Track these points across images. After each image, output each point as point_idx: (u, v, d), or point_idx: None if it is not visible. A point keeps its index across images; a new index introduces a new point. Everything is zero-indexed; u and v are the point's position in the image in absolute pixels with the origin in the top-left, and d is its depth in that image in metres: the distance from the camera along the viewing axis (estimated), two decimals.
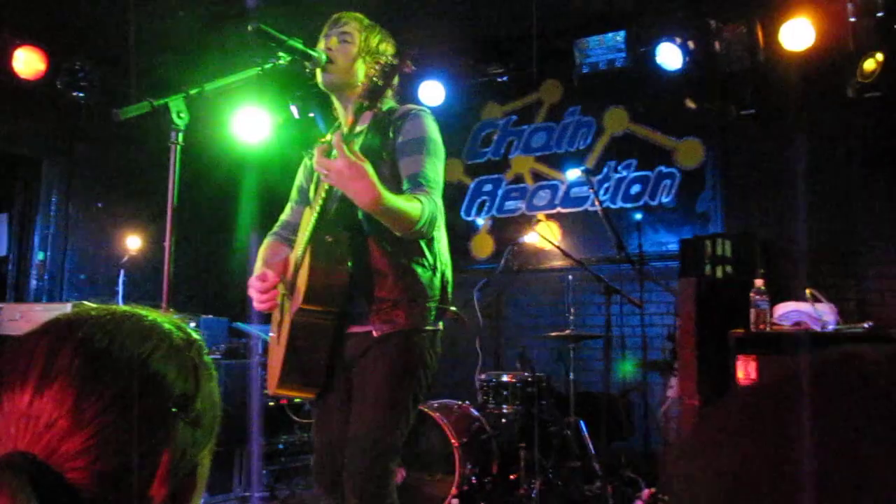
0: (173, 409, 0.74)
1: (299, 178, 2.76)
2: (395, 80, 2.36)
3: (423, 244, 2.39)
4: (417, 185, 2.33)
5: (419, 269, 2.38)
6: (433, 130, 2.45)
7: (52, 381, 0.70)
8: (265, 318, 2.72)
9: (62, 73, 5.65)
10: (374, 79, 2.14)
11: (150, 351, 0.75)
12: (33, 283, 6.02)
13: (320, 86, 2.47)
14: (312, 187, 2.61)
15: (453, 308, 2.49)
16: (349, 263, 2.31)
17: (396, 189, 2.32)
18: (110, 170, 6.33)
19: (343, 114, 2.55)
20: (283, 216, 2.77)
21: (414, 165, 2.36)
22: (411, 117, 2.44)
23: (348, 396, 2.40)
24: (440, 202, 2.38)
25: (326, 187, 2.25)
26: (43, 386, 0.69)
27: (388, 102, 2.52)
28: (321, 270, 2.28)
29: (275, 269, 2.54)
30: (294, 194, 2.76)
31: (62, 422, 0.68)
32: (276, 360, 2.44)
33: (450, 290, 2.50)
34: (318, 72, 2.43)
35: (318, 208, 2.30)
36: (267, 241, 2.73)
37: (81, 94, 5.71)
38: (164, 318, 0.80)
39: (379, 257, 2.35)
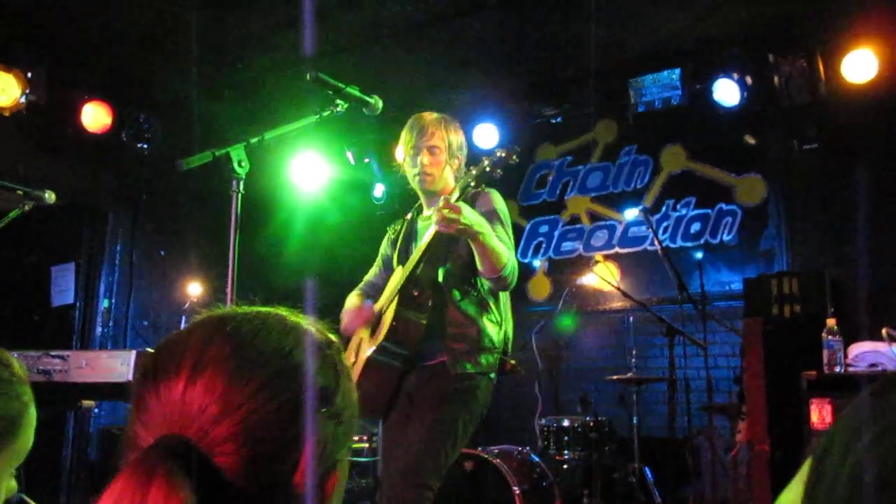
0: (316, 401, 0.78)
1: (384, 247, 3.12)
2: (497, 173, 2.75)
3: (491, 302, 2.74)
4: None
5: (489, 324, 2.71)
6: (500, 203, 2.82)
7: (203, 370, 0.74)
8: None
9: (127, 126, 5.83)
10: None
11: (292, 345, 0.79)
12: (98, 329, 6.15)
13: (422, 190, 2.87)
14: (396, 256, 2.98)
15: (513, 361, 2.82)
16: (426, 319, 2.66)
17: (465, 264, 2.69)
18: (173, 219, 6.48)
19: (424, 202, 2.96)
20: (368, 276, 3.15)
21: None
22: (481, 195, 2.82)
23: (408, 421, 2.69)
24: (517, 263, 2.70)
25: (419, 253, 2.66)
26: (196, 375, 0.74)
27: (459, 186, 2.85)
28: (404, 316, 2.65)
29: (366, 308, 2.93)
30: (378, 261, 3.14)
31: (212, 408, 0.73)
32: None
33: (510, 343, 2.84)
34: (415, 181, 2.83)
35: (409, 267, 2.70)
36: (352, 296, 3.10)
37: (145, 146, 5.88)
38: (305, 319, 0.85)
39: (457, 311, 2.70)
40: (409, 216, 3.08)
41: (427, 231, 2.70)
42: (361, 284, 3.15)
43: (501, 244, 2.60)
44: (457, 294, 2.71)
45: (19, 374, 1.10)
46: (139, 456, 0.70)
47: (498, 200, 2.84)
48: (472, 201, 2.75)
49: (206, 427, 0.72)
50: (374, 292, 3.05)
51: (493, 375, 2.74)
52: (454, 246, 2.76)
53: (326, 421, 0.79)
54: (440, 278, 2.73)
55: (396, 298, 2.70)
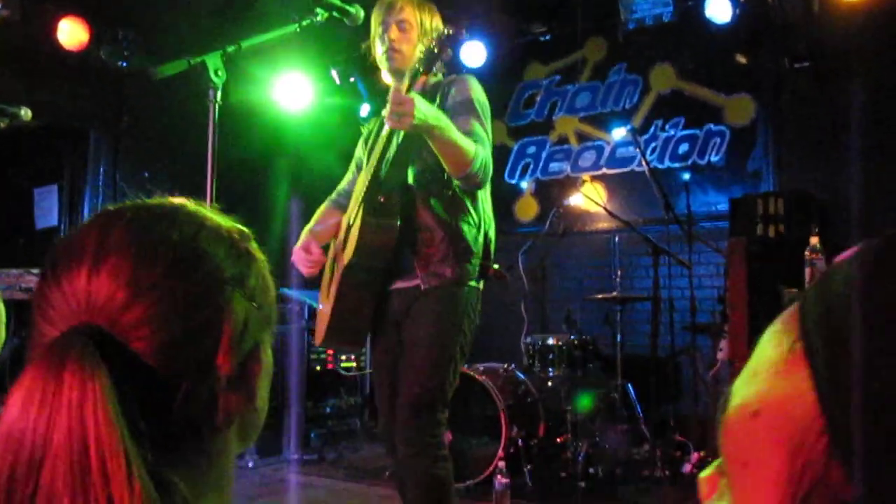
0: (228, 284, 0.77)
1: (358, 150, 2.90)
2: (447, 53, 2.52)
3: (468, 203, 2.51)
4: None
5: (465, 227, 2.50)
6: (478, 91, 2.56)
7: (106, 257, 0.73)
8: (305, 284, 2.77)
9: (105, 43, 5.68)
10: (431, 47, 2.32)
11: (196, 229, 0.78)
12: None
13: (389, 70, 2.60)
14: (367, 157, 2.74)
15: (496, 266, 2.61)
16: (398, 221, 2.45)
17: (438, 162, 2.45)
18: (155, 138, 6.38)
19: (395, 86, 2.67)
20: (342, 184, 2.92)
21: (464, 125, 2.46)
22: (456, 82, 2.58)
23: (401, 351, 2.53)
24: (490, 158, 2.49)
25: (378, 154, 2.42)
26: (98, 263, 0.72)
27: (436, 76, 2.65)
28: (372, 227, 2.44)
29: (320, 235, 2.73)
30: (353, 165, 2.92)
31: (120, 294, 0.71)
32: (324, 315, 2.59)
33: (492, 248, 2.61)
34: (383, 59, 2.58)
35: (371, 171, 2.47)
36: (323, 205, 2.90)
37: (124, 63, 5.74)
38: (208, 209, 0.84)
39: (427, 215, 2.48)
40: (384, 112, 2.76)
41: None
42: (334, 194, 2.93)
43: (465, 138, 2.38)
44: (428, 196, 2.50)
45: None
46: (48, 345, 0.68)
47: (475, 88, 2.58)
48: (445, 89, 2.57)
49: (116, 314, 0.71)
50: (346, 201, 2.83)
51: (474, 283, 2.54)
52: (419, 141, 2.50)
53: (242, 301, 0.78)
54: (410, 179, 2.52)
55: (362, 207, 2.49)
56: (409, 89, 2.29)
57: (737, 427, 0.51)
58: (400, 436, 2.43)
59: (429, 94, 2.52)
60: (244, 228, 0.85)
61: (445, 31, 2.38)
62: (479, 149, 2.40)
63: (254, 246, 0.85)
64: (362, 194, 2.51)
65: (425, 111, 2.24)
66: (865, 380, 0.44)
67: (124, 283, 0.72)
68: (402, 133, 2.49)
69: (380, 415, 2.65)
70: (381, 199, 2.46)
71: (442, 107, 2.48)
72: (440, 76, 2.65)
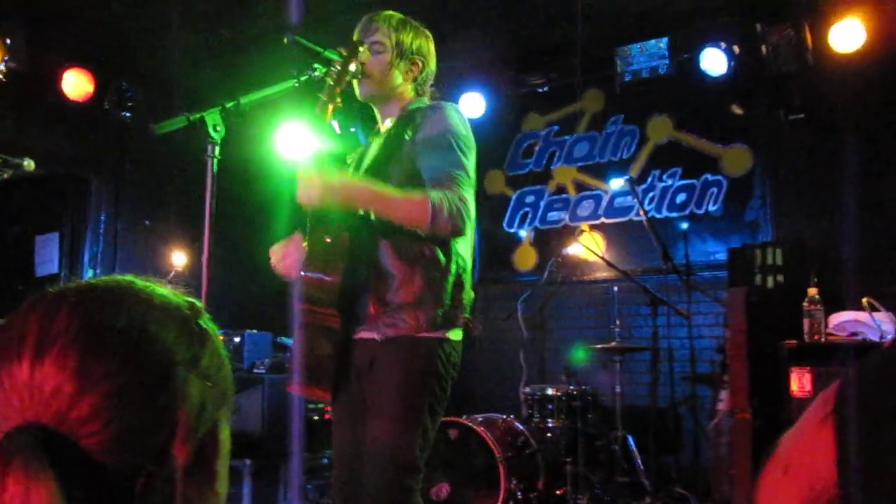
0: (182, 367, 0.72)
1: None
2: (429, 79, 2.44)
3: (436, 246, 2.26)
4: (440, 184, 2.22)
5: (429, 272, 2.25)
6: (456, 123, 2.32)
7: (50, 346, 0.68)
8: None
9: (109, 94, 5.77)
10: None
11: (145, 310, 0.73)
12: None
13: (359, 97, 2.46)
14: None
15: (466, 315, 2.35)
16: (342, 266, 2.22)
17: (412, 189, 2.25)
18: (156, 187, 6.43)
19: (380, 117, 2.54)
20: None
21: (438, 163, 2.26)
22: (430, 111, 2.36)
23: (362, 404, 2.31)
24: (470, 196, 2.25)
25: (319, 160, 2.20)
26: (42, 352, 0.68)
27: (421, 101, 2.48)
28: (315, 270, 2.23)
29: (295, 241, 2.48)
30: None
31: (67, 386, 0.66)
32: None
33: (465, 295, 2.34)
34: (355, 83, 2.40)
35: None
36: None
37: (127, 114, 5.82)
38: (155, 285, 0.79)
39: (387, 257, 2.25)
40: (370, 139, 2.58)
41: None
42: None
43: (412, 195, 2.15)
44: (388, 234, 2.23)
45: None
46: None
47: (452, 118, 2.32)
48: (417, 118, 2.33)
49: (64, 409, 0.66)
50: None
51: (447, 336, 2.27)
52: (383, 173, 2.28)
53: (197, 383, 0.74)
54: (371, 214, 2.24)
55: (307, 249, 2.26)
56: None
57: (769, 478, 0.60)
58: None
59: (404, 120, 2.36)
60: (196, 302, 0.81)
61: (423, 55, 2.29)
62: (435, 200, 2.14)
63: (206, 320, 0.80)
64: (308, 233, 2.29)
65: (337, 184, 2.09)
66: (884, 460, 0.51)
67: (71, 374, 0.67)
68: (369, 161, 2.35)
69: (335, 472, 2.41)
70: (327, 241, 2.24)
71: (413, 139, 2.30)
72: (425, 101, 2.48)
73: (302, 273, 2.28)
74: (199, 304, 0.82)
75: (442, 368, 2.27)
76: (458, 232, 2.22)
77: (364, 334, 2.29)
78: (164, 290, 0.79)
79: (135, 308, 0.73)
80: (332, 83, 2.15)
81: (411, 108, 2.40)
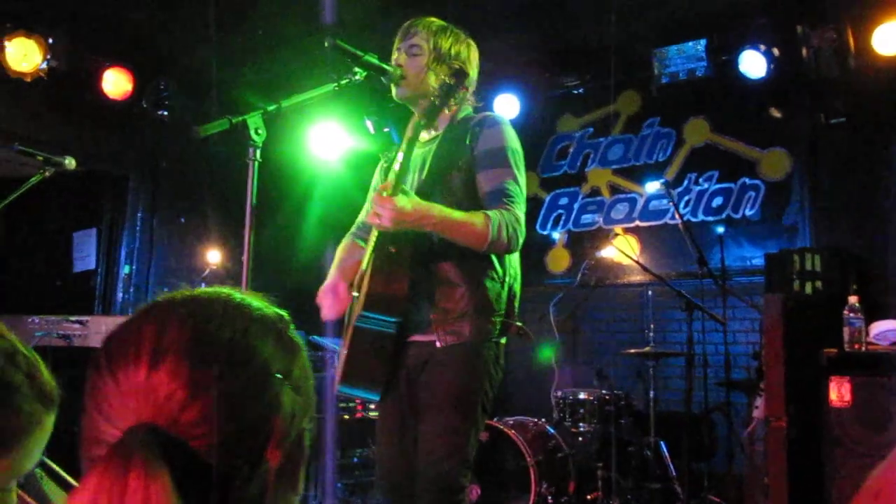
0: (278, 378, 0.79)
1: (376, 178, 2.76)
2: (470, 86, 2.45)
3: (493, 256, 2.36)
4: (498, 201, 2.32)
5: (488, 282, 2.35)
6: (513, 139, 2.41)
7: (164, 356, 0.74)
8: (338, 332, 2.74)
9: (148, 93, 5.84)
10: (446, 79, 2.21)
11: (245, 326, 0.80)
12: (119, 295, 6.21)
13: (396, 99, 2.49)
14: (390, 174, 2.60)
15: (519, 322, 2.46)
16: (409, 274, 2.29)
17: (469, 200, 2.34)
18: (192, 185, 6.50)
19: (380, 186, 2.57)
20: (361, 216, 2.79)
21: (494, 180, 2.34)
22: (488, 125, 2.41)
23: (410, 407, 2.40)
24: (522, 215, 2.35)
25: (392, 184, 2.21)
26: (157, 361, 0.74)
27: (465, 110, 2.52)
28: (381, 280, 2.29)
29: (348, 271, 2.61)
30: (371, 194, 2.75)
31: (179, 393, 0.73)
32: (342, 360, 2.47)
33: (517, 303, 2.47)
34: (393, 86, 2.45)
35: None
36: (344, 241, 2.78)
37: (165, 113, 5.89)
38: (250, 297, 0.86)
39: (448, 267, 2.33)
40: (407, 135, 2.60)
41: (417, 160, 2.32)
42: (353, 228, 2.80)
43: (472, 216, 2.23)
44: (449, 246, 2.29)
45: (23, 385, 1.01)
46: (112, 448, 0.70)
47: (509, 135, 2.40)
48: (476, 129, 2.38)
49: (175, 413, 0.72)
50: (365, 234, 2.69)
51: (499, 340, 2.39)
52: (444, 182, 2.36)
53: (289, 393, 0.80)
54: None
55: (372, 259, 2.32)
56: (395, 186, 2.15)
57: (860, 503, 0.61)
58: (424, 499, 2.28)
59: (454, 130, 2.42)
60: (285, 314, 0.87)
61: (460, 64, 2.32)
62: (493, 222, 2.24)
63: (293, 331, 0.86)
64: (373, 242, 2.36)
65: (409, 209, 2.14)
66: None
67: (183, 382, 0.73)
68: (425, 171, 2.39)
69: (379, 470, 2.50)
70: (392, 250, 2.29)
71: (471, 149, 2.37)
72: (469, 110, 2.53)
73: (356, 294, 2.41)
74: (288, 316, 0.88)
75: (493, 370, 2.38)
76: (513, 250, 2.35)
77: (418, 338, 2.36)
78: (258, 302, 0.85)
79: (238, 321, 0.80)
80: (436, 102, 2.23)
81: (460, 116, 2.43)
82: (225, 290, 0.85)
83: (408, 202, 2.15)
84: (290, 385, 0.81)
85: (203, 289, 0.85)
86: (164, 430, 0.71)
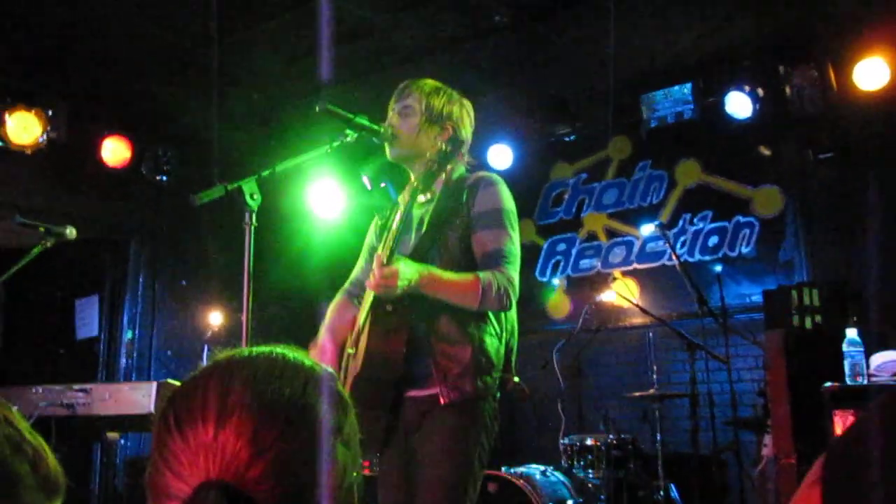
0: (332, 434, 0.83)
1: (370, 236, 2.80)
2: (464, 146, 2.49)
3: (491, 313, 2.40)
4: (492, 263, 2.37)
5: (487, 338, 2.38)
6: (508, 200, 2.46)
7: (230, 416, 0.78)
8: None
9: (146, 159, 5.93)
10: (442, 145, 2.23)
11: (304, 384, 0.84)
12: (123, 361, 6.21)
13: (389, 158, 2.55)
14: (380, 249, 2.64)
15: (517, 379, 2.49)
16: (408, 332, 2.32)
17: (465, 258, 2.39)
18: (193, 249, 6.55)
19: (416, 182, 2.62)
20: (354, 273, 2.81)
21: (490, 242, 2.40)
22: (484, 185, 2.45)
23: (408, 460, 2.40)
24: (516, 275, 2.40)
25: (387, 251, 2.26)
26: (223, 420, 0.78)
27: (459, 169, 2.56)
28: (379, 339, 2.32)
29: (339, 331, 2.63)
30: (364, 252, 2.80)
31: (244, 452, 0.76)
32: None
33: (514, 357, 2.50)
34: (387, 146, 2.51)
35: None
36: (336, 299, 2.78)
37: (164, 178, 5.97)
38: (300, 355, 0.90)
39: (448, 324, 2.35)
40: (402, 199, 2.63)
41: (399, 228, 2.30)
42: (347, 283, 2.80)
43: (465, 278, 2.30)
44: (446, 303, 2.33)
45: (27, 476, 1.02)
46: (186, 502, 0.75)
47: (505, 196, 2.45)
48: (472, 189, 2.43)
49: (241, 470, 0.76)
50: (359, 291, 2.69)
51: (496, 395, 2.42)
52: (440, 241, 2.40)
53: (342, 449, 0.85)
54: None
55: (370, 318, 2.35)
56: (390, 257, 2.21)
57: None
58: None
59: (451, 190, 2.46)
60: (331, 370, 0.92)
61: (454, 121, 2.40)
62: (486, 283, 2.29)
63: (342, 388, 0.91)
64: (370, 302, 2.38)
65: (410, 275, 2.20)
66: None
67: (248, 441, 0.77)
68: (423, 230, 2.43)
69: None
70: (388, 309, 2.32)
71: (467, 208, 2.41)
72: (462, 169, 2.57)
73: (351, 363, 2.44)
74: (337, 374, 0.92)
75: (490, 423, 2.39)
76: (505, 309, 2.39)
77: (418, 393, 2.38)
78: (310, 361, 0.90)
79: (296, 380, 0.84)
80: (433, 169, 2.26)
81: (455, 177, 2.48)
82: (280, 349, 0.89)
83: (406, 268, 2.21)
84: (342, 440, 0.85)
85: (261, 348, 0.89)
86: (233, 486, 0.75)
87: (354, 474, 0.88)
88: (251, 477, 0.76)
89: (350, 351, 2.54)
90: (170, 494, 0.77)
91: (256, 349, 0.89)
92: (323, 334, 2.65)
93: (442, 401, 2.31)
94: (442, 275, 2.29)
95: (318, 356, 2.56)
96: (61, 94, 5.48)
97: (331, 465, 0.82)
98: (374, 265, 2.23)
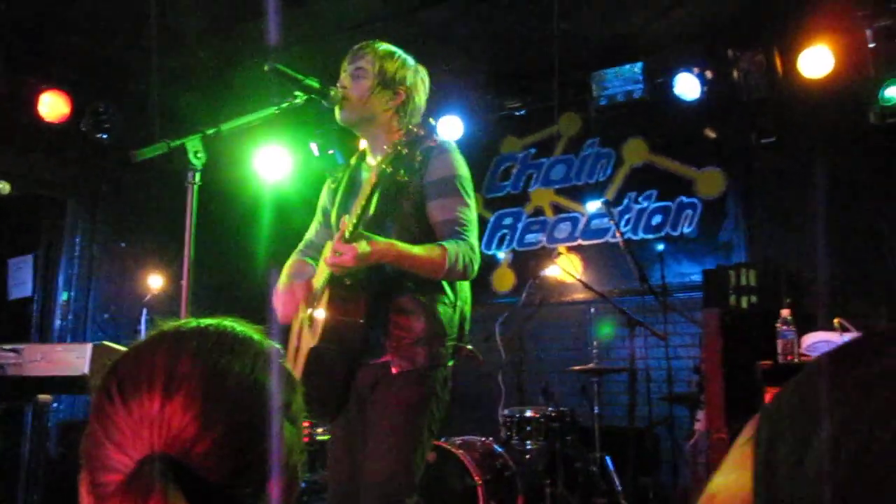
0: (280, 412, 0.81)
1: (323, 199, 2.76)
2: (416, 112, 2.48)
3: (445, 282, 2.40)
4: (453, 232, 2.36)
5: (440, 307, 2.38)
6: (462, 166, 2.45)
7: (178, 388, 0.76)
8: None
9: (86, 116, 5.74)
10: (413, 128, 2.23)
11: (253, 361, 0.82)
12: (57, 322, 6.06)
13: (339, 121, 2.49)
14: (335, 211, 2.60)
15: (469, 346, 2.52)
16: (366, 304, 2.33)
17: (419, 226, 2.38)
18: (132, 209, 6.39)
19: (367, 145, 2.60)
20: (308, 235, 2.78)
21: (447, 210, 2.39)
22: (437, 153, 2.43)
23: (360, 429, 2.40)
24: (476, 243, 2.40)
25: (350, 225, 2.20)
26: (170, 392, 0.76)
27: (412, 137, 2.46)
28: (337, 313, 2.32)
29: (298, 289, 2.57)
30: (318, 214, 2.77)
31: (192, 426, 0.74)
32: None
33: (467, 326, 2.50)
34: (336, 109, 2.45)
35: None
36: (291, 259, 2.75)
37: (104, 136, 5.80)
38: (248, 329, 0.88)
39: (401, 293, 2.36)
40: (352, 162, 2.65)
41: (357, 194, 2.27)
42: (300, 246, 2.78)
43: (429, 249, 2.28)
44: (403, 274, 2.33)
45: None
46: (130, 477, 0.72)
47: (459, 163, 2.44)
48: (425, 155, 2.38)
49: (188, 445, 0.74)
50: (314, 253, 2.69)
51: (449, 363, 2.42)
52: (394, 208, 2.37)
53: (289, 427, 0.83)
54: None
55: (328, 290, 2.35)
56: (353, 231, 2.15)
57: None
58: None
59: (401, 156, 2.32)
60: (279, 346, 0.89)
61: (406, 87, 2.40)
62: (450, 253, 2.28)
63: (288, 365, 0.90)
64: (327, 273, 2.35)
65: (370, 252, 2.16)
66: (791, 479, 0.55)
67: (195, 415, 0.75)
68: (375, 201, 2.35)
69: (330, 491, 2.50)
70: (347, 283, 2.33)
71: (420, 175, 2.39)
72: (415, 137, 2.47)
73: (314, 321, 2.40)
74: (283, 349, 0.90)
75: (441, 392, 2.40)
76: (469, 278, 2.39)
77: (371, 361, 2.38)
78: (257, 335, 0.87)
79: (246, 356, 0.82)
80: (401, 150, 2.22)
81: (406, 142, 2.37)
82: (229, 322, 0.87)
83: (367, 246, 2.17)
84: (289, 418, 0.84)
85: (209, 320, 0.86)
86: (178, 461, 0.73)
87: (298, 453, 0.86)
88: (197, 452, 0.74)
89: (306, 314, 2.51)
90: (109, 467, 0.75)
91: (205, 321, 0.86)
92: (285, 283, 2.60)
93: (394, 370, 2.32)
94: (410, 249, 2.26)
95: (283, 307, 2.54)
96: None
97: (278, 442, 0.80)
98: (335, 239, 2.19)
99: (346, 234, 2.15)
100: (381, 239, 2.24)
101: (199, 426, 0.74)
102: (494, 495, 4.26)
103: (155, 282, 5.60)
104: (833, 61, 4.97)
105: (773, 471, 0.56)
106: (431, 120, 2.47)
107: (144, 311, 5.36)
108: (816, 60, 5.00)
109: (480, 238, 6.53)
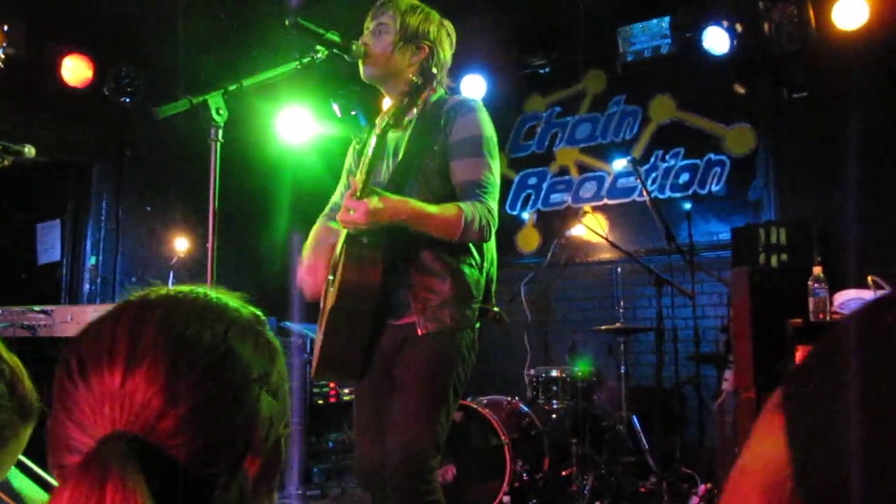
0: (256, 383, 0.76)
1: (348, 161, 2.72)
2: (443, 67, 2.44)
3: (471, 244, 2.37)
4: (472, 194, 2.33)
5: (466, 269, 2.36)
6: (487, 127, 2.41)
7: (141, 361, 0.71)
8: (307, 317, 2.72)
9: (109, 80, 5.73)
10: (413, 78, 2.19)
11: (225, 330, 0.76)
12: (86, 287, 6.12)
13: (363, 78, 2.46)
14: (358, 170, 2.56)
15: (496, 308, 2.47)
16: (383, 263, 2.30)
17: (443, 185, 2.34)
18: (158, 172, 6.41)
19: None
20: (333, 198, 2.76)
21: (469, 171, 2.35)
22: (463, 111, 2.39)
23: (389, 388, 2.40)
24: (495, 205, 2.37)
25: (362, 188, 2.19)
26: (132, 366, 0.71)
27: (439, 92, 2.50)
28: (354, 272, 2.29)
29: (323, 254, 2.56)
30: (343, 177, 2.73)
31: (156, 400, 0.70)
32: (317, 346, 2.45)
33: (493, 288, 2.49)
34: (360, 65, 2.42)
35: None
36: (317, 224, 2.73)
37: (128, 99, 5.79)
38: (227, 297, 0.82)
39: (426, 255, 2.33)
40: (377, 122, 2.55)
41: (373, 150, 2.22)
42: (326, 210, 2.74)
43: (445, 209, 2.24)
44: (424, 234, 2.29)
45: (3, 396, 1.01)
46: (87, 459, 0.67)
47: (485, 122, 2.39)
48: (450, 115, 2.35)
49: (152, 421, 0.69)
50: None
51: (476, 326, 2.40)
52: (418, 168, 2.34)
53: (267, 399, 0.77)
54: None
55: (345, 249, 2.31)
56: (364, 187, 2.14)
57: (730, 482, 0.62)
58: (391, 482, 2.27)
59: (428, 115, 2.39)
60: (260, 314, 0.84)
61: (430, 41, 2.33)
62: (467, 215, 2.25)
63: (270, 333, 0.84)
64: (345, 233, 2.35)
65: (382, 211, 2.15)
66: (826, 439, 0.54)
67: (159, 389, 0.70)
68: (399, 157, 2.37)
69: (357, 452, 2.50)
70: (364, 241, 2.29)
71: (445, 133, 2.36)
72: (442, 92, 2.50)
73: (331, 278, 2.38)
74: (263, 316, 0.85)
75: (467, 354, 2.39)
76: (485, 241, 2.36)
77: (396, 322, 2.37)
78: (235, 303, 0.82)
79: (217, 324, 0.76)
80: (405, 101, 2.20)
81: (433, 99, 2.39)
82: (201, 289, 0.82)
83: (379, 202, 2.15)
84: (268, 390, 0.78)
85: (178, 287, 0.82)
86: (141, 439, 0.68)
87: (282, 427, 0.81)
88: (163, 429, 0.69)
89: (330, 277, 2.49)
90: (71, 447, 0.70)
91: (175, 288, 0.81)
92: (309, 256, 2.59)
93: (420, 331, 2.32)
94: (424, 208, 2.23)
95: (311, 279, 2.52)
96: (19, 8, 5.24)
97: (254, 417, 0.75)
98: (346, 197, 2.17)
99: (357, 192, 2.13)
100: (393, 196, 2.22)
101: (163, 400, 0.69)
102: (521, 454, 4.28)
103: (181, 244, 5.63)
104: (868, 12, 4.81)
105: (808, 431, 0.55)
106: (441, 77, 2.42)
107: (171, 273, 5.40)
108: (851, 11, 4.85)
109: (505, 199, 6.54)
